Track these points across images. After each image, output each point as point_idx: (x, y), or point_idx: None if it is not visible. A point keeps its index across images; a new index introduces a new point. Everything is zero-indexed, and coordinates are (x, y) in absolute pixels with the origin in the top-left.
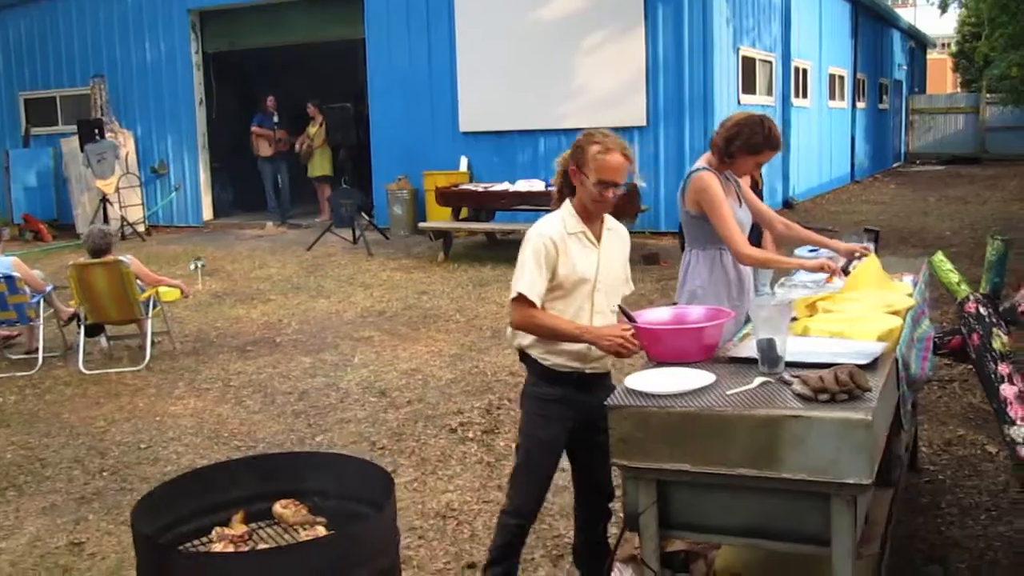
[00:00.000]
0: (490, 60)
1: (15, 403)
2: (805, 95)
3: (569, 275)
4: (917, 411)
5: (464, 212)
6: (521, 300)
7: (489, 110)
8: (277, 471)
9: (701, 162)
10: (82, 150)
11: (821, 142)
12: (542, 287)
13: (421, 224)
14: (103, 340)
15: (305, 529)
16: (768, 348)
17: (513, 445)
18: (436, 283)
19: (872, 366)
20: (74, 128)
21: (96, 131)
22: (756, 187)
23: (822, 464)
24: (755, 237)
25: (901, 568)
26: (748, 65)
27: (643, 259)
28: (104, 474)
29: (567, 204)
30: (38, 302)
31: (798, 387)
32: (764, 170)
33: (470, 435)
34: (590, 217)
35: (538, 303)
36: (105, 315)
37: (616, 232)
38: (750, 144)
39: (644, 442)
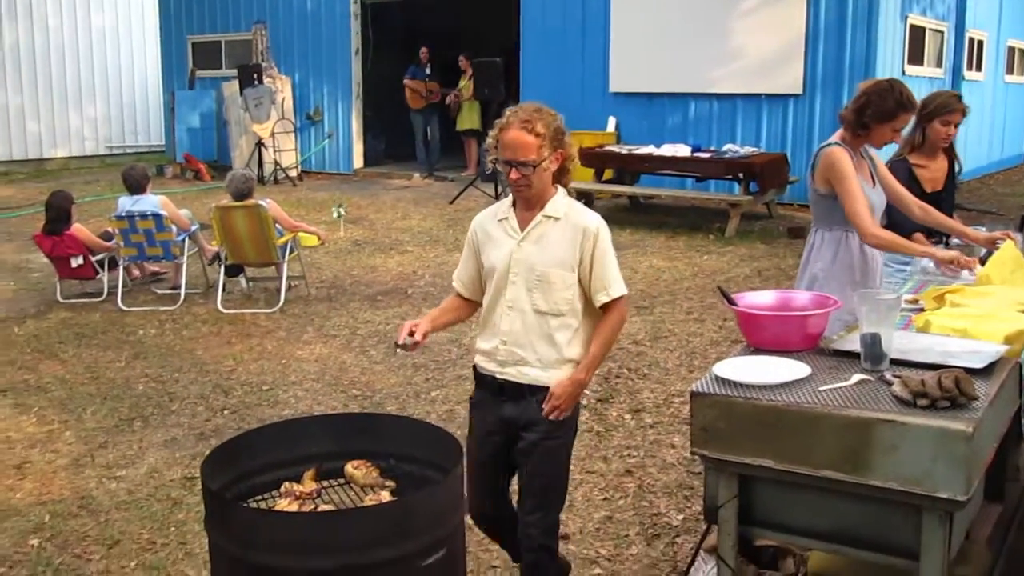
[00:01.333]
0: (644, 19)
1: (154, 336)
2: (979, 68)
3: (486, 262)
4: None
5: (608, 174)
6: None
7: (640, 71)
8: (354, 430)
9: (834, 138)
10: (241, 94)
11: (994, 119)
12: (464, 273)
13: None
14: (243, 281)
15: (373, 492)
16: (871, 343)
17: (626, 416)
18: None
19: (986, 371)
20: (236, 72)
21: (255, 76)
22: (952, 164)
23: (915, 474)
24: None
25: None
26: (916, 34)
27: (788, 232)
28: (225, 412)
29: None
30: (183, 240)
31: (897, 389)
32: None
33: (583, 402)
34: (523, 203)
35: (458, 287)
36: (244, 257)
37: (567, 223)
38: (882, 111)
39: (727, 433)
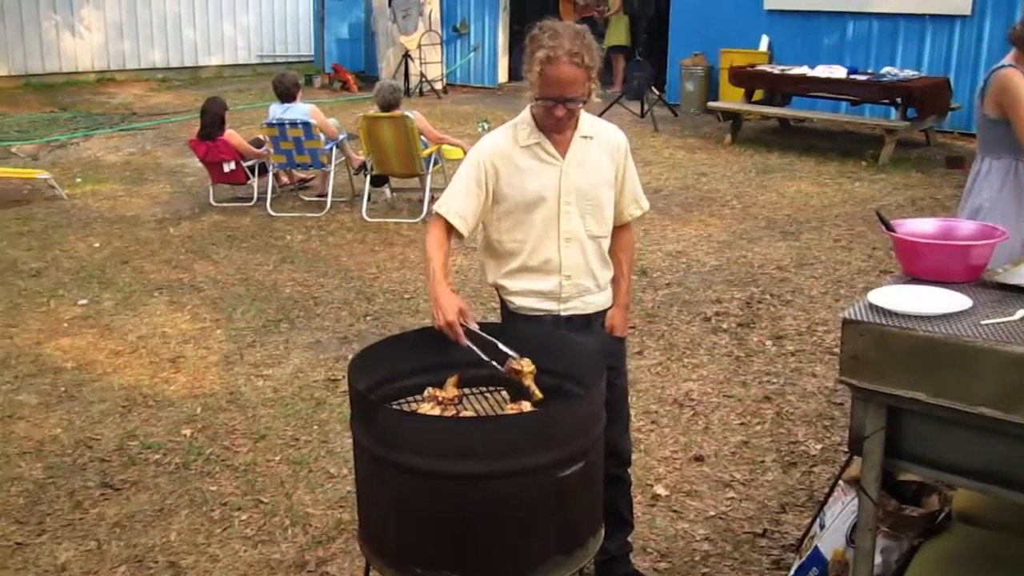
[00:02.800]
0: None
1: (301, 242)
2: None
3: (519, 195)
4: None
5: (758, 94)
6: (437, 218)
7: None
8: (501, 339)
9: (1007, 59)
10: (389, 5)
11: None
12: (468, 209)
13: (711, 104)
14: (387, 191)
15: (515, 401)
16: None
17: (767, 342)
18: (718, 166)
19: None
20: None
21: None
22: None
23: None
24: None
25: None
26: None
27: (946, 161)
28: (367, 318)
29: (525, 111)
30: (331, 149)
31: None
32: None
33: (724, 326)
34: (543, 126)
35: (459, 225)
36: (390, 167)
37: (600, 140)
38: None
39: (878, 363)
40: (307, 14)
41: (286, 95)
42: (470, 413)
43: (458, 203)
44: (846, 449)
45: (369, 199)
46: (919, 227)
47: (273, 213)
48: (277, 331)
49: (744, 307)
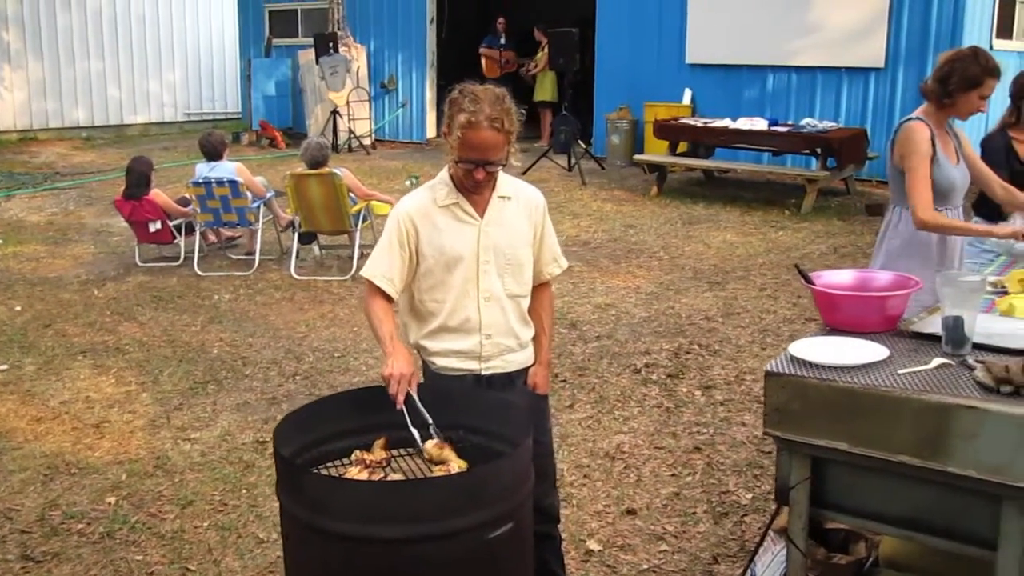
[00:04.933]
0: None
1: (229, 301)
2: None
3: (439, 254)
4: None
5: (682, 147)
6: (368, 284)
7: (718, 42)
8: (424, 400)
9: (917, 113)
10: (317, 62)
11: None
12: (393, 271)
13: (636, 156)
14: (316, 248)
15: (443, 463)
16: (953, 327)
17: (696, 393)
18: (645, 217)
19: None
20: (312, 40)
21: (331, 44)
22: None
23: (995, 463)
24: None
25: None
26: (1007, 5)
27: (866, 209)
28: (297, 378)
29: (444, 171)
30: (258, 207)
31: (980, 374)
32: None
33: (654, 377)
34: (462, 185)
35: (387, 288)
36: (318, 224)
37: (518, 200)
38: (967, 77)
39: (801, 415)
40: (234, 71)
41: (212, 153)
42: (398, 476)
43: (383, 265)
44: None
45: (298, 256)
46: (837, 278)
47: (200, 272)
48: (204, 393)
49: (673, 358)
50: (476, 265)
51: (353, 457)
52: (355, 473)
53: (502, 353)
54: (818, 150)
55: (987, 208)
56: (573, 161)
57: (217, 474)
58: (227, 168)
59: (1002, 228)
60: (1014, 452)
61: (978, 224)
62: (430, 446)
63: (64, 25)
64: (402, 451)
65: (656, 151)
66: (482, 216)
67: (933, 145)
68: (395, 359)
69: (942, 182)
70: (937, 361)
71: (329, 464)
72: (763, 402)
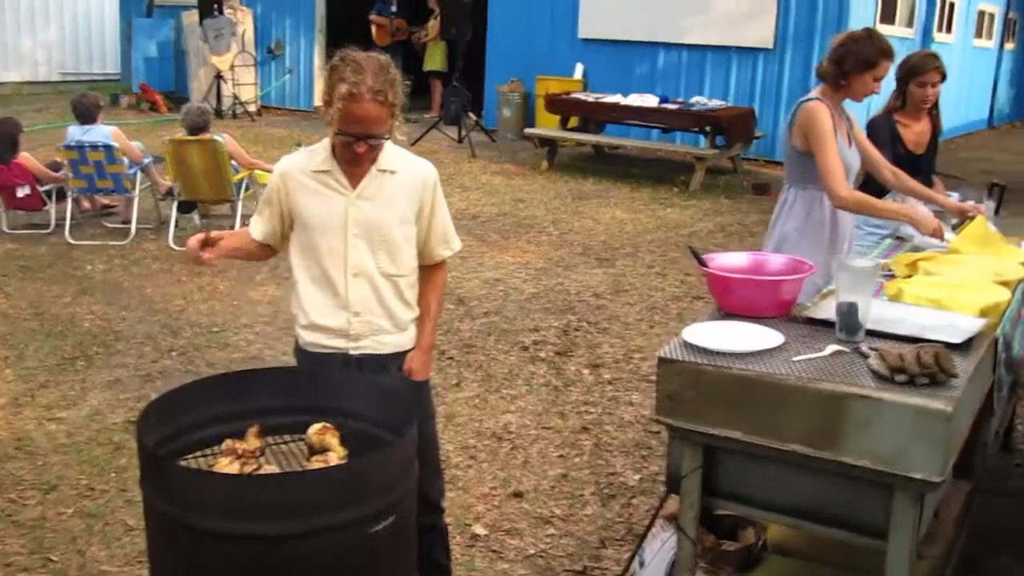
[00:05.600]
0: None
1: (103, 272)
2: (949, 30)
3: (306, 219)
4: (1016, 390)
5: (574, 121)
6: None
7: (610, 17)
8: (304, 384)
9: (815, 92)
10: (201, 25)
11: (960, 83)
12: (264, 225)
13: (527, 130)
14: (196, 217)
15: (322, 453)
16: (848, 313)
17: (585, 371)
18: (535, 192)
19: (965, 346)
20: (196, 2)
21: (215, 6)
22: (935, 128)
23: (889, 453)
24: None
25: (971, 557)
26: None
27: (752, 188)
28: (173, 354)
29: (328, 137)
30: (135, 173)
31: (874, 362)
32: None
33: (542, 355)
34: (339, 154)
35: (256, 235)
36: (198, 193)
37: (402, 175)
38: (862, 59)
39: (694, 402)
40: (113, 30)
41: (86, 116)
42: (272, 467)
43: (256, 222)
44: (664, 480)
45: (176, 226)
46: (730, 261)
47: (72, 241)
48: (73, 369)
49: (562, 335)
50: (344, 239)
51: (224, 446)
52: (226, 464)
53: (374, 333)
54: (707, 128)
55: (871, 192)
56: (463, 133)
57: (84, 456)
58: (102, 132)
59: (918, 212)
60: (908, 443)
61: (898, 205)
62: (311, 432)
63: None
64: (279, 439)
65: (547, 125)
66: (355, 188)
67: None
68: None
69: None
70: (831, 348)
71: (198, 454)
72: (652, 380)
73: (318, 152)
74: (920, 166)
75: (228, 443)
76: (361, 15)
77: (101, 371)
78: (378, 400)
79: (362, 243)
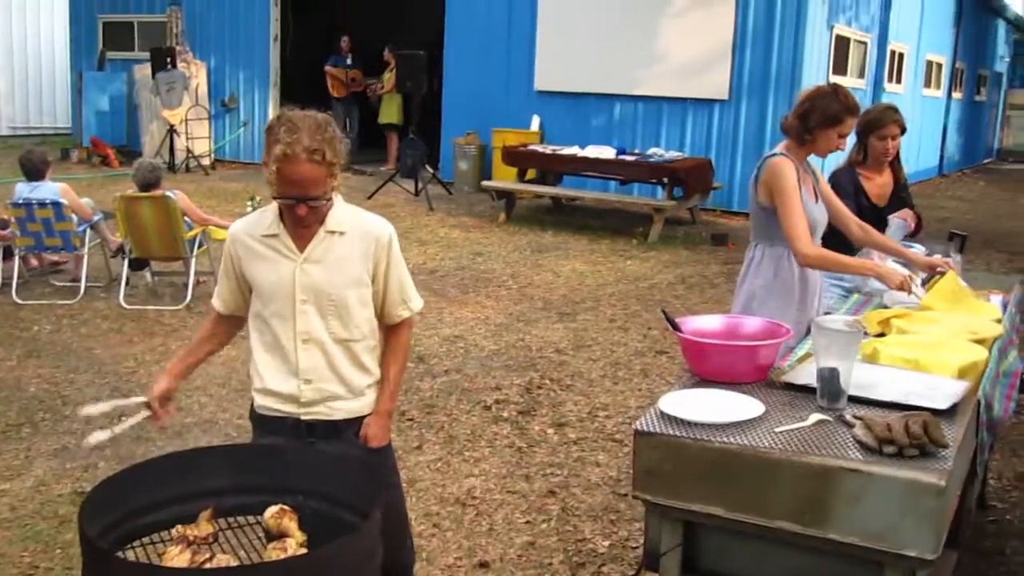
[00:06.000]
0: (571, 17)
1: (50, 333)
2: (899, 81)
3: (257, 285)
4: (992, 449)
5: (531, 173)
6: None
7: (566, 70)
8: (259, 462)
9: (779, 148)
10: (153, 78)
11: (911, 132)
12: (227, 296)
13: (484, 183)
14: (148, 275)
15: (280, 539)
16: (830, 379)
17: (549, 431)
18: (494, 245)
19: (951, 412)
20: (148, 55)
21: (168, 60)
22: (897, 179)
23: (879, 529)
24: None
25: None
26: (841, 44)
27: (711, 239)
28: (123, 418)
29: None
30: (84, 230)
31: (860, 433)
32: (843, 157)
33: (504, 414)
34: (287, 219)
35: (221, 308)
36: (150, 250)
37: (353, 235)
38: (827, 115)
39: (673, 477)
40: (64, 83)
41: (34, 172)
42: (227, 557)
43: (219, 288)
44: (634, 545)
45: (128, 284)
46: (704, 324)
47: (19, 301)
48: (18, 437)
49: (524, 393)
50: (292, 305)
51: (175, 533)
52: (176, 554)
53: (326, 400)
54: (665, 179)
55: (835, 246)
56: (420, 186)
57: (28, 531)
58: (50, 189)
59: (883, 267)
60: (899, 518)
61: (861, 260)
62: (268, 516)
63: None
64: (233, 522)
65: (504, 178)
66: (302, 252)
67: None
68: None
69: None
70: (815, 417)
71: (147, 540)
72: (618, 439)
73: (267, 214)
74: (883, 218)
75: (179, 529)
76: (316, 68)
77: (47, 438)
78: (338, 477)
79: (311, 308)
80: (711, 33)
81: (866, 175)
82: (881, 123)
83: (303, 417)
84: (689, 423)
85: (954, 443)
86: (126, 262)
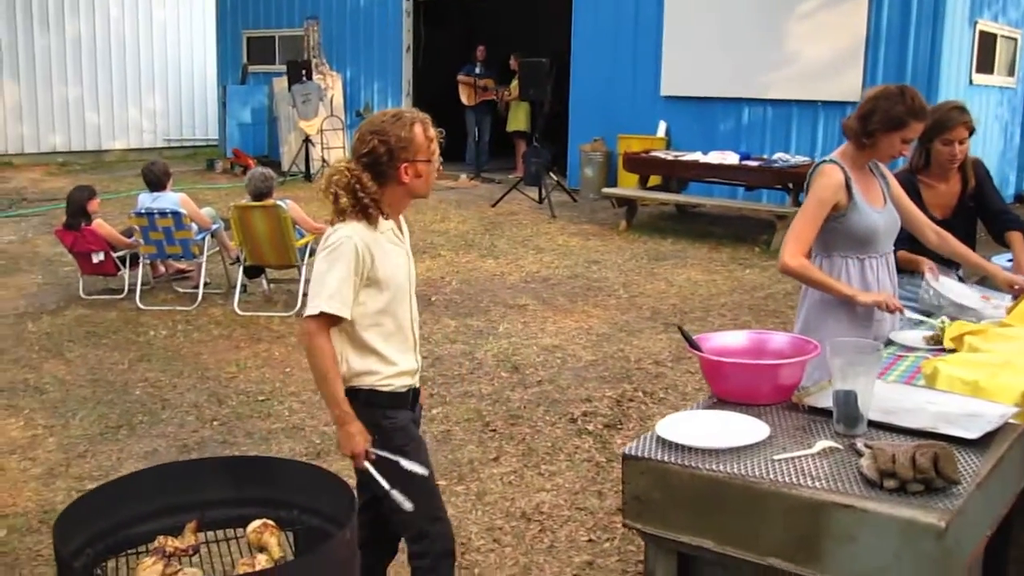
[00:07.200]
0: (698, 22)
1: (164, 337)
2: None
3: (390, 279)
4: None
5: (656, 180)
6: (322, 319)
7: (693, 74)
8: (247, 476)
9: (835, 154)
10: (290, 90)
11: None
12: (348, 296)
13: (604, 190)
14: (264, 282)
15: (260, 552)
16: (845, 403)
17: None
18: (611, 253)
19: (982, 442)
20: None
21: (304, 72)
22: (965, 186)
23: (872, 571)
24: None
25: None
26: (986, 41)
27: None
28: (215, 423)
29: None
30: (203, 239)
31: (865, 464)
32: (993, 162)
33: (590, 427)
34: (396, 211)
35: (346, 313)
36: (263, 258)
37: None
38: (890, 117)
39: (662, 506)
40: (213, 98)
41: (155, 183)
42: (194, 571)
43: (345, 294)
44: None
45: (244, 291)
46: (729, 341)
47: (142, 306)
48: (114, 439)
49: (614, 406)
50: (408, 287)
51: (155, 544)
52: (148, 566)
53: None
54: (790, 185)
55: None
56: (543, 193)
57: None
58: (170, 199)
59: (865, 294)
60: (895, 560)
61: (835, 281)
62: (250, 530)
63: (42, 49)
64: (218, 534)
65: (628, 184)
66: (403, 237)
67: (849, 189)
68: (351, 439)
69: (860, 228)
70: (821, 445)
71: (130, 552)
72: (621, 486)
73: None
74: (950, 231)
75: (160, 540)
76: (449, 78)
77: (141, 440)
78: (323, 492)
79: (414, 288)
80: (842, 32)
81: (928, 183)
82: (947, 125)
83: (415, 385)
84: (681, 448)
85: (973, 477)
86: (241, 269)
